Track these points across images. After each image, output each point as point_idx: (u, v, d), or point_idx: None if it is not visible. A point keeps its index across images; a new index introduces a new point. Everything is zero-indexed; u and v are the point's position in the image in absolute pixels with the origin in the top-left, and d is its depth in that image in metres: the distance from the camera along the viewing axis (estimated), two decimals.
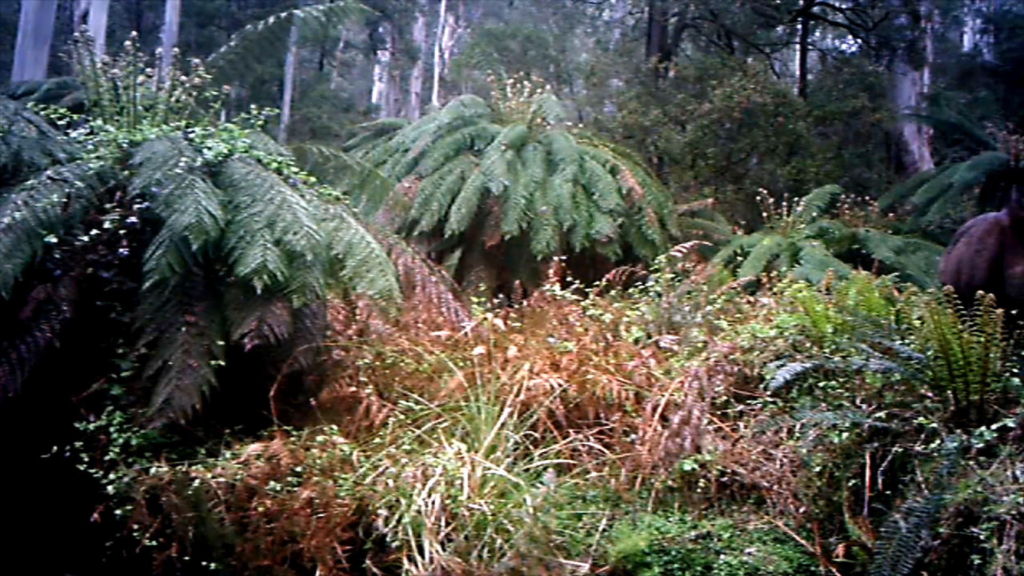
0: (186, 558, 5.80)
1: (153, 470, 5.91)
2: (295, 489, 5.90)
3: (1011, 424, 5.25)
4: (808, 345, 6.79)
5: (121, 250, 6.28)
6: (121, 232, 6.31)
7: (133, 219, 6.33)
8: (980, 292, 5.49)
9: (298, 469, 6.01)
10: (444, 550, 5.56)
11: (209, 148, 6.75)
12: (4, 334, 5.96)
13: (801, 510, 5.71)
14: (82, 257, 6.32)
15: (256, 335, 5.92)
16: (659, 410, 6.44)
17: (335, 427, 6.37)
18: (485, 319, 7.53)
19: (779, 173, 16.41)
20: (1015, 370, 5.60)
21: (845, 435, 5.64)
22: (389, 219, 12.26)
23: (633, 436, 6.40)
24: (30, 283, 6.09)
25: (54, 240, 6.11)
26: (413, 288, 7.49)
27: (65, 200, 6.19)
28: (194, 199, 6.12)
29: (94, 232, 6.27)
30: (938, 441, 5.31)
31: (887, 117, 18.16)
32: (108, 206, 6.45)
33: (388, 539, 5.69)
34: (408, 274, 7.44)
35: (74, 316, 6.13)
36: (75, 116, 7.43)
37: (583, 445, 6.51)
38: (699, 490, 5.95)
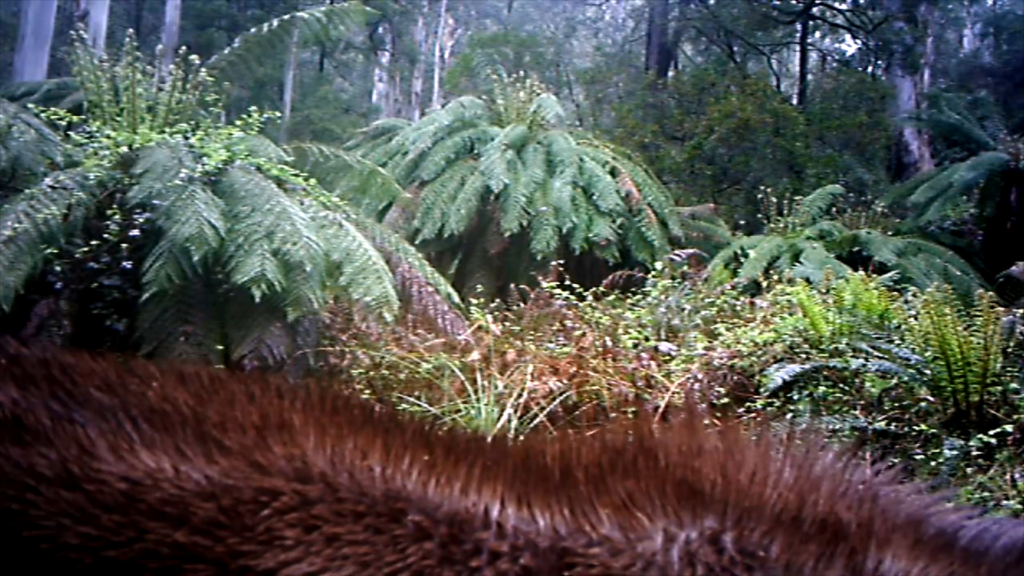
0: None
1: None
2: None
3: (1009, 429, 5.24)
4: (807, 347, 6.77)
5: (124, 264, 6.25)
6: (123, 246, 6.29)
7: (135, 232, 6.31)
8: (980, 292, 5.48)
9: None
10: None
11: (209, 156, 6.72)
12: None
13: None
14: (82, 267, 6.29)
15: (255, 356, 5.94)
16: (659, 412, 6.43)
17: None
18: (480, 327, 7.51)
19: (778, 185, 16.41)
20: (1015, 372, 5.59)
21: (845, 439, 5.62)
22: (398, 223, 12.17)
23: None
24: (31, 297, 6.07)
25: (55, 252, 6.09)
26: (411, 298, 7.47)
27: (66, 211, 6.17)
28: (195, 210, 6.12)
29: (94, 242, 6.25)
30: (937, 445, 5.30)
31: (889, 122, 18.16)
32: (108, 211, 6.42)
33: None
34: (405, 282, 7.43)
35: (74, 330, 6.12)
36: (75, 118, 7.39)
37: None
38: None
